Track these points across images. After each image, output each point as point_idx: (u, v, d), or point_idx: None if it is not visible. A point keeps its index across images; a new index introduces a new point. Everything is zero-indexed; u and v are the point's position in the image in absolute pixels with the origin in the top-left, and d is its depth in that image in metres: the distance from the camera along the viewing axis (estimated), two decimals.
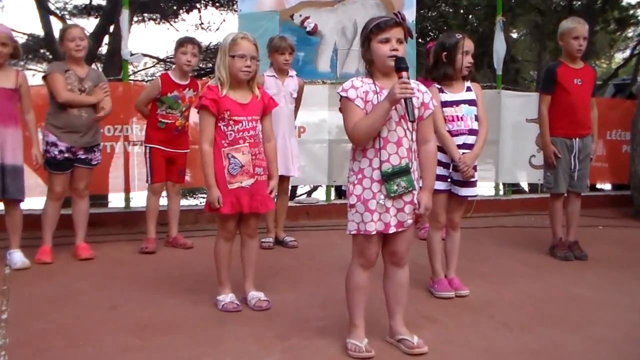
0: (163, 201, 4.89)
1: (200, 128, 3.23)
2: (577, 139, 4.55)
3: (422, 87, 2.72)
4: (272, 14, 6.00)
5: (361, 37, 2.69)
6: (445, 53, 3.59)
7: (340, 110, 2.67)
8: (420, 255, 3.89)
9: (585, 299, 3.63)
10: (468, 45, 3.55)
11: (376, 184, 2.60)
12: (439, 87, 3.59)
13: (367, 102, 2.61)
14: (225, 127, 3.20)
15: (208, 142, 3.18)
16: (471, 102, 3.60)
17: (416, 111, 2.62)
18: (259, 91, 3.34)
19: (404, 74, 2.52)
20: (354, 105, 2.60)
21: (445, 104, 3.56)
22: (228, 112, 3.18)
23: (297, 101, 4.91)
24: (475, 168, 3.60)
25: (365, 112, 2.60)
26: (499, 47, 6.53)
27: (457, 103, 3.58)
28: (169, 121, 4.64)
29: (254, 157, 3.24)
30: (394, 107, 2.56)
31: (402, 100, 2.51)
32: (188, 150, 4.86)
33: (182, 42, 4.69)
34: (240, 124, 3.20)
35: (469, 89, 3.64)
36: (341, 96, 2.63)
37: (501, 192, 7.02)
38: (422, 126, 2.69)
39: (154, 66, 13.91)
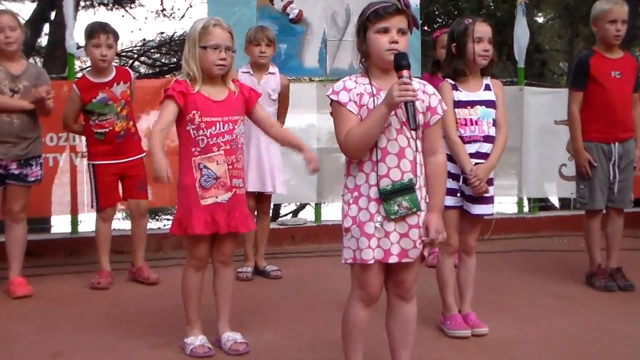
0: (116, 225, 4.90)
1: (158, 116, 3.26)
2: (617, 143, 4.58)
3: (429, 88, 2.75)
4: None
5: (357, 25, 2.72)
6: (454, 44, 3.65)
7: (331, 114, 2.70)
8: (429, 285, 3.89)
9: (632, 338, 3.64)
10: (480, 30, 3.60)
11: (374, 204, 2.62)
12: (453, 83, 3.64)
13: (362, 107, 2.63)
14: (195, 132, 3.22)
15: (160, 126, 3.18)
16: (489, 104, 3.66)
17: (420, 117, 2.65)
18: (235, 85, 3.37)
19: (405, 72, 2.54)
20: (346, 110, 2.62)
21: (458, 104, 3.61)
22: (199, 113, 3.21)
23: (283, 103, 4.96)
24: (490, 182, 3.65)
25: (360, 118, 2.62)
26: (521, 35, 6.62)
27: (472, 104, 3.63)
28: (107, 129, 4.61)
29: (230, 167, 3.27)
30: (393, 112, 2.59)
31: (403, 104, 2.55)
32: (143, 155, 4.78)
33: (92, 32, 4.56)
34: (214, 127, 3.23)
35: (487, 88, 3.69)
36: (331, 100, 2.66)
37: (525, 209, 7.09)
38: (429, 134, 2.72)
39: None
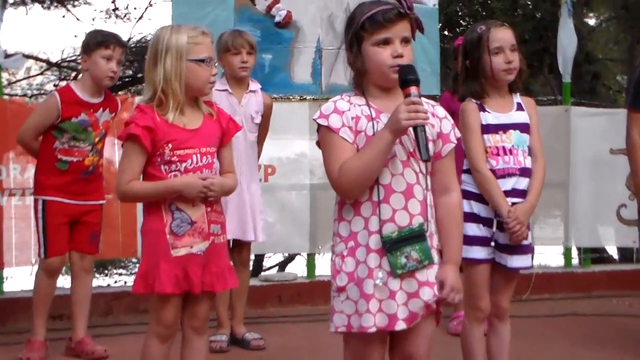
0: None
1: (120, 165, 3.28)
2: None
3: (439, 110, 2.78)
4: None
5: (346, 35, 2.74)
6: (468, 60, 3.69)
7: (318, 145, 2.72)
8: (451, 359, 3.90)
9: None
10: (498, 37, 3.62)
11: (375, 256, 2.63)
12: (478, 102, 3.66)
13: (359, 133, 2.65)
14: (166, 167, 3.24)
15: (126, 183, 3.22)
16: (523, 128, 3.69)
17: (431, 146, 2.67)
18: (213, 108, 3.41)
19: (413, 89, 2.56)
20: (339, 138, 2.64)
21: (487, 129, 3.63)
22: (170, 145, 3.23)
23: (263, 127, 4.99)
24: (528, 226, 3.65)
25: (357, 147, 2.65)
26: (567, 41, 6.69)
27: (504, 128, 3.65)
28: (74, 159, 4.63)
29: (209, 209, 3.29)
30: (398, 140, 2.61)
31: (411, 129, 2.57)
32: (104, 202, 4.87)
33: (105, 42, 4.66)
34: (189, 161, 3.25)
35: (519, 107, 3.72)
36: (319, 125, 2.68)
37: (575, 261, 7.11)
38: (440, 168, 2.75)
39: (42, 73, 14.02)
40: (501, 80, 3.64)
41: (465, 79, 3.70)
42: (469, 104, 3.65)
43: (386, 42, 2.63)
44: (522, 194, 3.63)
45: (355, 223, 2.67)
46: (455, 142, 2.77)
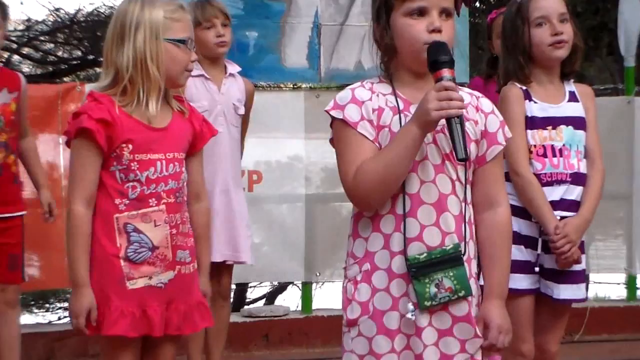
0: None
1: (71, 172, 3.24)
2: None
3: (485, 103, 2.76)
4: None
5: (373, 2, 2.74)
6: (505, 36, 3.70)
7: (332, 143, 2.71)
8: None
9: None
10: (541, 5, 3.63)
11: (398, 282, 2.62)
12: (524, 88, 3.65)
13: (382, 129, 2.64)
14: (122, 175, 3.21)
15: (83, 199, 3.18)
16: (578, 123, 3.68)
17: (473, 147, 2.66)
18: (184, 105, 3.40)
19: (446, 72, 2.54)
20: (356, 134, 2.63)
21: (532, 123, 3.63)
22: (130, 146, 3.20)
23: (244, 122, 4.98)
24: (581, 248, 3.64)
25: (379, 146, 2.64)
26: (629, 15, 6.69)
27: (554, 122, 3.65)
28: None
29: (174, 231, 3.27)
30: (430, 138, 2.60)
31: (445, 122, 2.54)
32: (23, 214, 4.79)
33: None
34: (152, 169, 3.23)
35: (572, 97, 3.71)
36: (332, 117, 2.67)
37: None
38: (484, 176, 2.74)
39: None
40: (547, 59, 3.62)
41: (506, 59, 3.68)
42: (512, 89, 3.63)
43: (421, 12, 2.60)
44: (573, 206, 3.63)
45: (373, 241, 2.65)
46: (504, 143, 2.75)
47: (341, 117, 2.62)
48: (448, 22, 2.61)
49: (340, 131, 2.65)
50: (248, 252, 4.87)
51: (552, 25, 3.58)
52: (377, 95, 2.65)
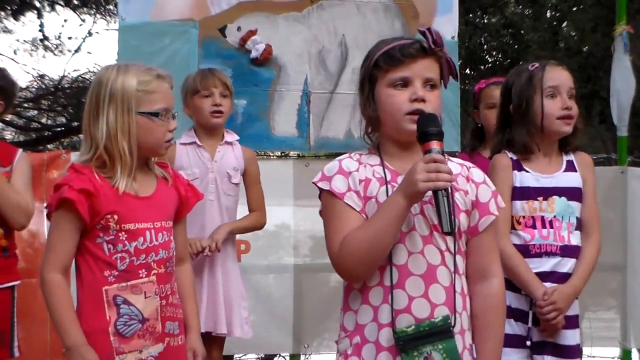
0: None
1: (48, 242, 3.23)
2: None
3: (476, 173, 2.80)
4: (184, 26, 6.11)
5: (360, 74, 2.78)
6: (513, 103, 3.69)
7: (321, 214, 2.73)
8: None
9: None
10: (555, 77, 3.66)
11: (386, 355, 2.62)
12: (514, 157, 3.68)
13: (369, 200, 2.67)
14: (111, 245, 3.21)
15: (58, 268, 3.17)
16: (573, 193, 3.69)
17: (462, 218, 2.69)
18: (167, 171, 3.40)
19: (435, 144, 2.57)
20: (343, 205, 2.66)
21: (522, 194, 3.65)
22: (116, 217, 3.20)
23: (253, 188, 4.97)
24: (574, 321, 3.65)
25: (366, 217, 2.65)
26: (622, 84, 6.72)
27: (546, 193, 3.67)
28: None
29: (164, 303, 3.28)
30: (418, 209, 2.62)
31: (432, 194, 2.56)
32: (17, 283, 4.73)
33: None
34: (141, 239, 3.24)
35: (570, 167, 3.73)
36: (320, 189, 2.69)
37: None
38: (476, 247, 2.76)
39: None
40: (554, 132, 3.65)
41: (501, 128, 3.69)
42: (501, 159, 3.66)
43: (405, 82, 2.66)
44: (565, 279, 3.64)
45: (362, 313, 2.68)
46: (497, 213, 2.78)
47: (328, 188, 2.66)
48: (433, 93, 2.66)
49: (327, 202, 2.69)
50: (243, 327, 4.83)
51: (563, 99, 3.62)
52: (365, 166, 2.70)
